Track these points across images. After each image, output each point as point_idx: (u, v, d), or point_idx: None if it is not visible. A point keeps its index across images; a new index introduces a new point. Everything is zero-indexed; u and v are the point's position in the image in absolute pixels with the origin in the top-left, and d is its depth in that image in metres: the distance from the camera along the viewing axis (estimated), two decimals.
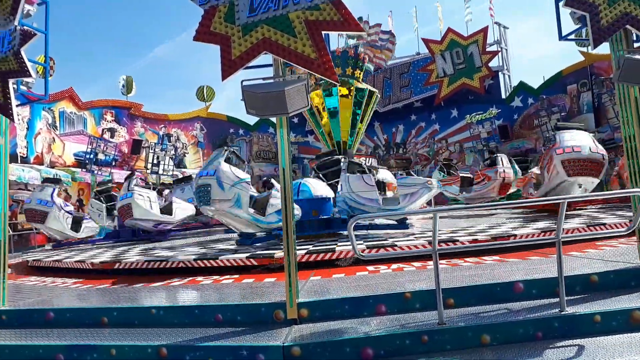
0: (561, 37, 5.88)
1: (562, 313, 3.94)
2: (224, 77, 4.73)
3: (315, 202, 9.40)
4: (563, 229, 4.09)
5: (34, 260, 9.98)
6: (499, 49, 28.34)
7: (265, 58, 4.82)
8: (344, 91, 20.31)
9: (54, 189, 14.03)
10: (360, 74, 21.51)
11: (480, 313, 4.19)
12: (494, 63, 26.65)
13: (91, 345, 4.31)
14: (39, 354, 4.41)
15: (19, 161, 19.65)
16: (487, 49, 26.27)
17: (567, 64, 24.89)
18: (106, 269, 7.74)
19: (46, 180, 15.09)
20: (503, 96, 27.76)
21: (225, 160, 8.38)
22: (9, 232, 5.84)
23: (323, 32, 4.53)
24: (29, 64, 5.50)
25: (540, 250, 6.32)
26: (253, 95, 4.48)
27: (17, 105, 5.68)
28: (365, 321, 4.29)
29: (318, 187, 9.77)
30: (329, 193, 9.82)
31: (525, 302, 4.37)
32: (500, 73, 28.29)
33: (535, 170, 12.43)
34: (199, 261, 7.12)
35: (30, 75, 5.59)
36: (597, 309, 3.95)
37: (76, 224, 14.30)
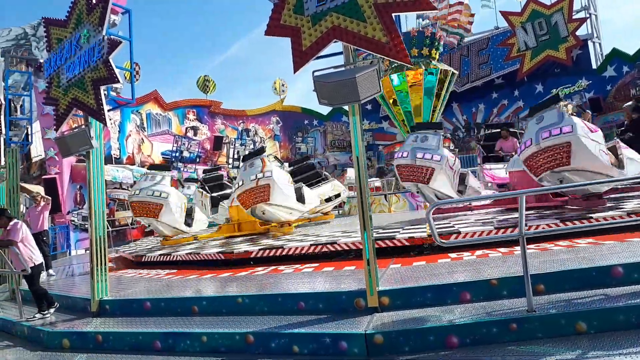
0: None
1: None
2: (295, 69, 4.77)
3: None
4: None
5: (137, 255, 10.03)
6: (587, 15, 26.16)
7: (336, 46, 4.79)
8: (412, 75, 19.67)
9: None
10: (436, 53, 20.77)
11: (573, 299, 3.92)
12: (581, 31, 24.69)
13: (185, 333, 4.57)
14: (139, 340, 4.76)
15: (113, 162, 21.21)
16: (574, 17, 24.39)
17: None
18: (193, 260, 8.16)
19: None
20: (594, 66, 25.60)
21: None
22: (108, 228, 6.31)
23: (393, 14, 4.42)
24: (117, 71, 5.86)
25: None
26: (324, 85, 4.48)
27: (108, 110, 6.10)
28: (449, 309, 4.18)
29: None
30: None
31: (626, 287, 4.03)
32: (589, 41, 26.11)
33: None
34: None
35: (118, 81, 5.96)
36: None
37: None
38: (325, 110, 30.44)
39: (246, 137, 28.19)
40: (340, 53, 4.88)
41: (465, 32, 23.21)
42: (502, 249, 5.90)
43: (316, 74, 4.52)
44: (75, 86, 6.17)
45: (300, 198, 10.43)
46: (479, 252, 5.93)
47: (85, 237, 17.11)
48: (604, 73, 24.50)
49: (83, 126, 6.13)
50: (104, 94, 5.97)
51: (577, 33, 24.05)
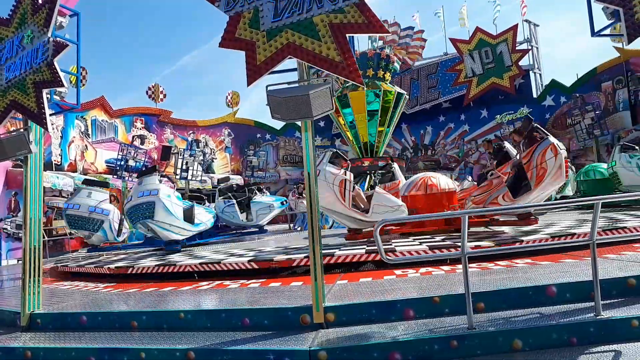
0: (594, 33, 5.67)
1: (598, 317, 3.80)
2: (249, 83, 4.76)
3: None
4: (598, 231, 3.95)
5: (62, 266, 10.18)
6: (530, 47, 27.81)
7: (290, 62, 4.83)
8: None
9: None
10: (388, 75, 21.35)
11: (511, 317, 4.08)
12: (524, 62, 26.13)
13: (122, 349, 4.38)
14: (72, 357, 4.51)
15: (54, 169, 20.25)
16: (517, 48, 25.80)
17: (601, 60, 24.25)
18: (134, 274, 7.88)
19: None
20: (534, 95, 27.20)
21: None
22: (44, 237, 5.99)
23: (347, 35, 4.51)
24: (61, 74, 5.64)
25: (575, 253, 6.13)
26: (278, 100, 4.49)
27: (50, 115, 5.83)
28: (392, 326, 4.23)
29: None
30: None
31: (559, 306, 4.24)
32: (531, 72, 27.73)
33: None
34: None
35: (63, 85, 5.72)
36: (635, 314, 3.79)
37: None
38: (278, 124, 30.50)
39: (196, 148, 27.65)
40: (295, 69, 4.92)
41: (418, 57, 24.05)
42: (445, 267, 6.07)
43: (270, 88, 4.53)
44: (15, 88, 5.88)
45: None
46: (423, 270, 6.07)
47: (18, 246, 16.15)
48: (544, 102, 26.05)
49: (22, 129, 5.83)
50: (47, 98, 5.72)
51: (520, 63, 25.41)
